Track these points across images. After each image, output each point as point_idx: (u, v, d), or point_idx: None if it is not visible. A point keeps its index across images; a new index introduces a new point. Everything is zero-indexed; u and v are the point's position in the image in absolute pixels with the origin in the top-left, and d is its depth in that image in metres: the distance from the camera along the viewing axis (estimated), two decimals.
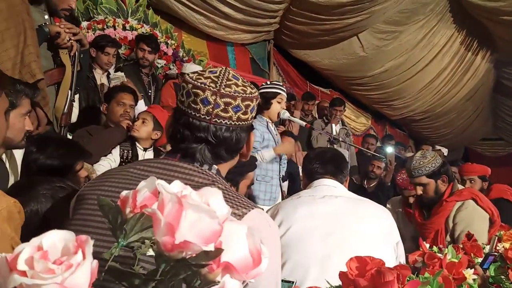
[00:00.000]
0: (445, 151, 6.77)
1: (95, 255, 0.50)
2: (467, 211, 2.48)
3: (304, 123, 3.60)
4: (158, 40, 4.61)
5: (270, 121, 3.21)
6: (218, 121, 0.96)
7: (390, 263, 1.30)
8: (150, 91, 4.01)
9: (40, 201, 1.27)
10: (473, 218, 2.43)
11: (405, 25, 7.10)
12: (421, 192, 2.59)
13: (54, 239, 0.41)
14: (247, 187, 2.27)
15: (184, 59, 4.89)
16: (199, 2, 5.22)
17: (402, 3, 6.51)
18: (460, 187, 2.69)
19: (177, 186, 0.49)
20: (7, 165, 1.66)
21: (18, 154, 1.69)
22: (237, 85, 0.98)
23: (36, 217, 1.24)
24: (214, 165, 0.99)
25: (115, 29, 4.35)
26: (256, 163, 2.44)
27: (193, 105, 0.96)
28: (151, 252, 0.51)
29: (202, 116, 0.96)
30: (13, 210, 1.04)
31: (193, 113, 0.96)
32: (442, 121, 9.74)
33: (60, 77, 2.34)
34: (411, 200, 2.95)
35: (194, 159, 0.97)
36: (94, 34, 4.17)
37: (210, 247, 0.47)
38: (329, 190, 1.80)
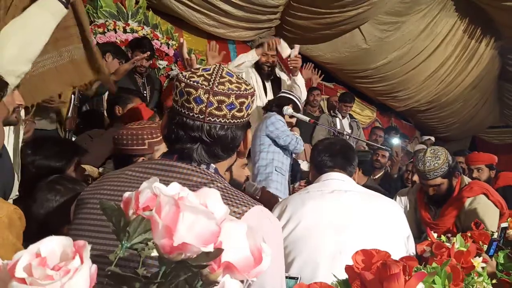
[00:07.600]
0: (433, 138, 6.77)
1: (97, 259, 0.50)
2: (480, 206, 2.43)
3: (308, 119, 3.59)
4: (159, 41, 4.61)
5: None
6: (212, 119, 0.95)
7: (400, 257, 1.29)
8: (145, 92, 3.94)
9: (44, 206, 1.29)
10: (485, 213, 2.38)
11: (407, 15, 7.04)
12: (434, 192, 2.52)
13: (52, 245, 0.41)
14: (242, 167, 2.05)
15: None
16: (199, 1, 5.19)
17: None
18: (467, 179, 2.64)
19: (174, 188, 0.49)
20: None
21: (10, 146, 1.69)
22: (231, 82, 0.96)
23: (37, 222, 1.26)
24: (212, 164, 0.98)
25: (115, 32, 4.35)
26: None
27: (186, 104, 0.95)
28: (155, 253, 0.51)
29: (196, 115, 0.94)
30: (14, 217, 1.05)
31: (186, 113, 0.95)
32: (448, 111, 9.65)
33: None
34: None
35: (191, 159, 0.96)
36: (95, 38, 4.17)
37: (210, 248, 0.46)
38: (338, 184, 1.77)
